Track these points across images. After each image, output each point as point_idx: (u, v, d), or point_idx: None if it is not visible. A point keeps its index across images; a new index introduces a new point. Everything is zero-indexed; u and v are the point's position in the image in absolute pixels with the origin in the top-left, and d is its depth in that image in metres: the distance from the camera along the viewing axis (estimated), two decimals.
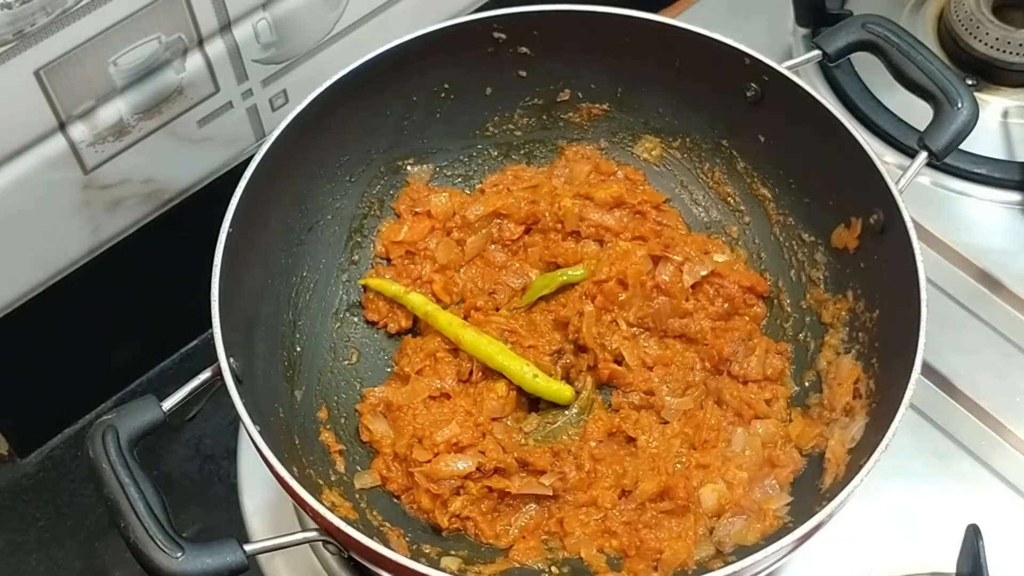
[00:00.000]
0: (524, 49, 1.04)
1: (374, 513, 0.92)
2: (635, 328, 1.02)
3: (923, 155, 0.95)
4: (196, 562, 0.75)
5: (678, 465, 0.95)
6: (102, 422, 0.80)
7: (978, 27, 1.22)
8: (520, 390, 0.97)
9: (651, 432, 0.97)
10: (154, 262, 1.15)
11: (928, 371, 1.07)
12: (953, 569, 0.92)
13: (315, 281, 1.02)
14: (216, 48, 1.03)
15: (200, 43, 1.02)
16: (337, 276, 1.05)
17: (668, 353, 1.01)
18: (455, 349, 0.99)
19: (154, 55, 0.99)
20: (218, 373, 0.83)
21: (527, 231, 1.07)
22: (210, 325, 0.84)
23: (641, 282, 1.01)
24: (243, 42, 1.05)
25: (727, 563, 0.80)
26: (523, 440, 0.96)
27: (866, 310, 0.96)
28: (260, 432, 0.81)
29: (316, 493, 0.84)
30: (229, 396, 0.82)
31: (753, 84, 1.00)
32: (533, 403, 0.99)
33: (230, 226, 0.88)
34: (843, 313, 0.98)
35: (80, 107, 0.98)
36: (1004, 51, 1.21)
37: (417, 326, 1.03)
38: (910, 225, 0.89)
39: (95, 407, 1.25)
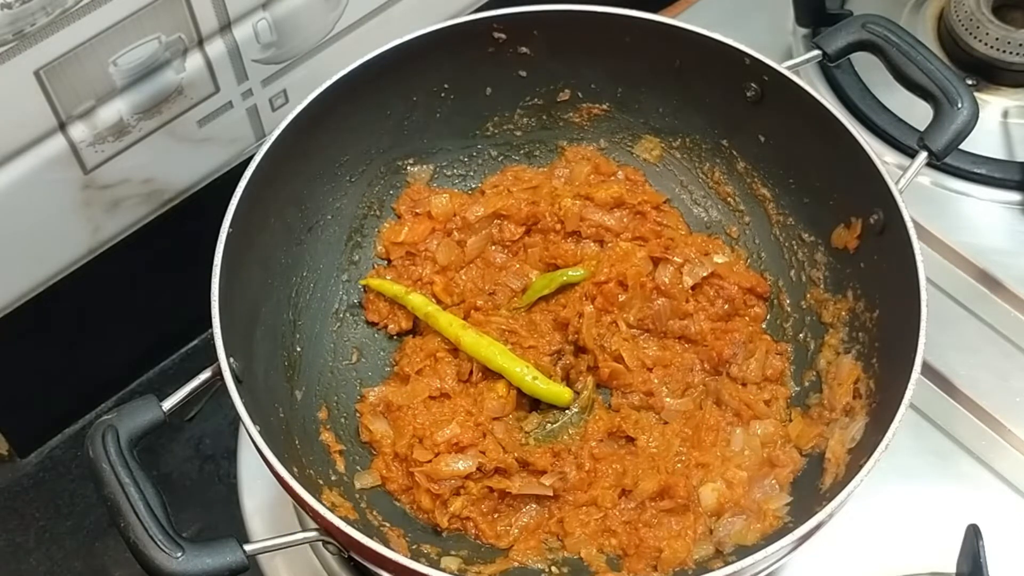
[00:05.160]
0: (524, 49, 1.04)
1: (374, 513, 0.92)
2: (635, 329, 1.02)
3: (923, 155, 0.95)
4: (196, 562, 0.75)
5: (678, 464, 0.95)
6: (102, 422, 0.80)
7: (978, 27, 1.22)
8: (521, 390, 0.98)
9: (651, 432, 0.97)
10: (154, 262, 1.15)
11: (928, 371, 1.07)
12: (953, 569, 0.92)
13: (315, 281, 1.02)
14: (216, 48, 1.03)
15: (200, 43, 1.02)
16: (337, 276, 1.05)
17: (668, 354, 1.01)
18: (455, 349, 0.99)
19: (154, 55, 0.99)
20: (218, 373, 0.83)
21: (527, 232, 1.07)
22: (210, 325, 0.84)
23: (641, 283, 1.01)
24: (243, 42, 1.05)
25: (727, 563, 0.80)
26: (524, 440, 0.96)
27: (866, 310, 0.96)
28: (260, 432, 0.81)
29: (316, 493, 0.84)
30: (229, 396, 0.81)
31: (753, 84, 1.00)
32: (534, 402, 0.99)
33: (230, 226, 0.88)
34: (843, 313, 0.98)
35: (80, 107, 0.98)
36: (1004, 51, 1.21)
37: (418, 327, 1.03)
38: (910, 225, 0.89)
39: (95, 407, 1.25)
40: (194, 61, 1.03)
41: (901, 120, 1.21)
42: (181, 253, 1.05)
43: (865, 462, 0.80)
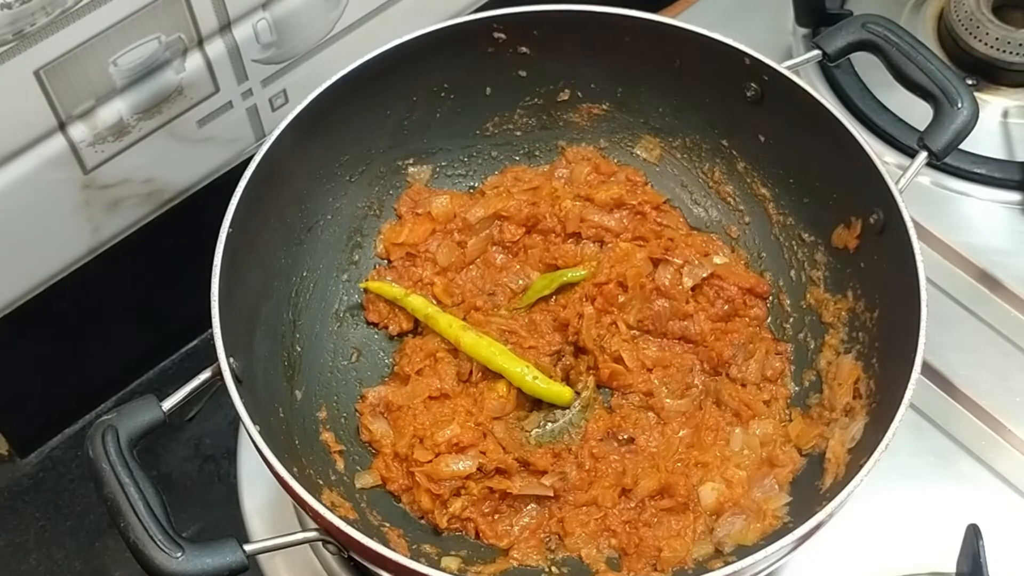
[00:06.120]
0: (524, 49, 1.04)
1: (374, 513, 0.92)
2: (635, 330, 1.01)
3: (923, 155, 0.95)
4: (196, 562, 0.75)
5: (678, 464, 0.95)
6: (102, 422, 0.80)
7: (978, 27, 1.22)
8: (521, 390, 0.97)
9: (651, 432, 0.97)
10: (154, 262, 1.15)
11: (928, 371, 1.07)
12: (953, 569, 0.92)
13: (315, 281, 1.02)
14: (216, 48, 1.03)
15: (200, 43, 1.02)
16: (337, 276, 1.05)
17: (668, 355, 1.01)
18: (455, 349, 0.99)
19: (154, 55, 0.99)
20: (218, 373, 0.83)
21: (527, 233, 1.07)
22: (210, 325, 0.84)
23: (641, 284, 1.01)
24: (243, 42, 1.05)
25: (727, 563, 0.80)
26: (524, 440, 0.96)
27: (866, 310, 0.96)
28: (260, 432, 0.81)
29: (316, 493, 0.84)
30: (229, 396, 0.82)
31: (753, 84, 1.00)
32: (535, 401, 0.99)
33: (230, 226, 0.88)
34: (843, 313, 0.98)
35: (80, 107, 0.98)
36: (1004, 51, 1.21)
37: (418, 327, 1.03)
38: (910, 225, 0.89)
39: (95, 407, 1.25)
40: (194, 61, 1.03)
41: (901, 120, 1.21)
42: (181, 253, 1.05)
43: (865, 462, 0.80)
